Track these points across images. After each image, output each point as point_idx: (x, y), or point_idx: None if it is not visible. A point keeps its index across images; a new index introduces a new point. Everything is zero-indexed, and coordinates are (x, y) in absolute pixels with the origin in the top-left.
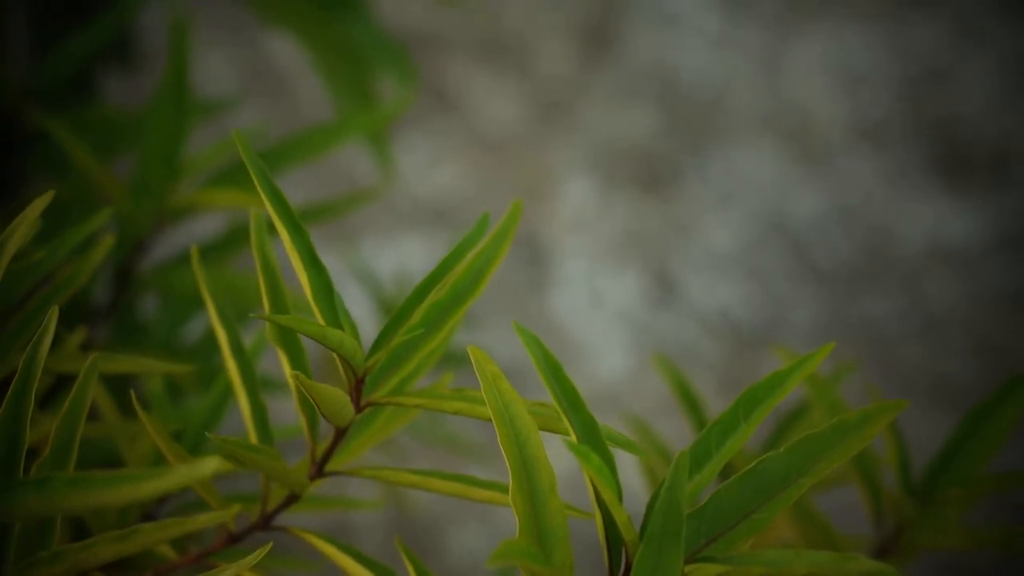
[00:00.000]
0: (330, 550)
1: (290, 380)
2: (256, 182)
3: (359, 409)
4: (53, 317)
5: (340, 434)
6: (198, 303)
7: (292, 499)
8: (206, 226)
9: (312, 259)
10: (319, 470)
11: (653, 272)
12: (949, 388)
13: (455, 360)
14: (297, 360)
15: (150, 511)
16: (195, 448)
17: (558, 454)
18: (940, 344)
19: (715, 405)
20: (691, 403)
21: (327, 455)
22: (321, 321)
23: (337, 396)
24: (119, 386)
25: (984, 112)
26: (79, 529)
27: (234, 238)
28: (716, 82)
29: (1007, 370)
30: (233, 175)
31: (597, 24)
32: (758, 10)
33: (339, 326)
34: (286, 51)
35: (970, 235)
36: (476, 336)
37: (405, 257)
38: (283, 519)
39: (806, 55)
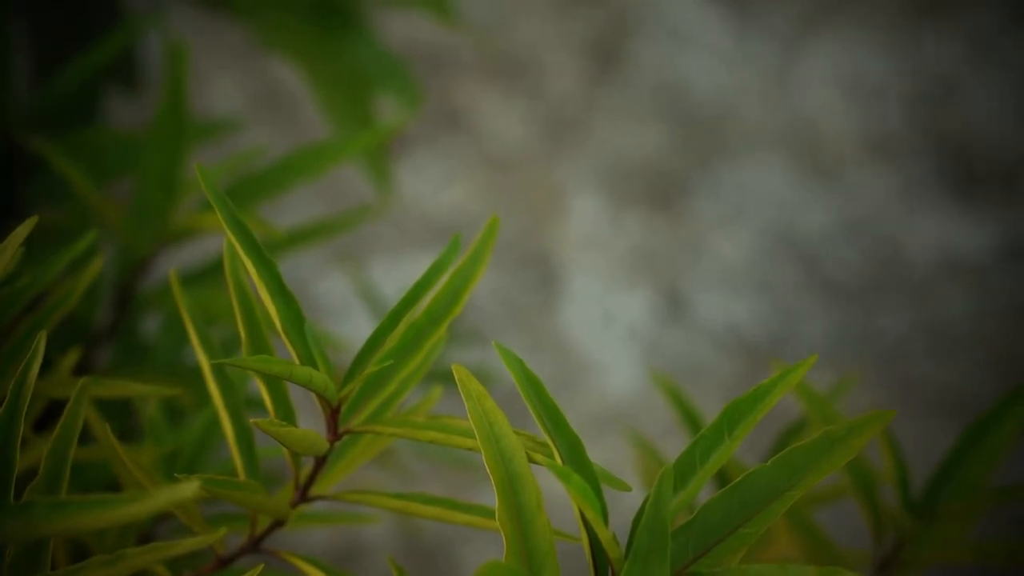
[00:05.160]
0: (317, 574)
1: (255, 423)
2: (219, 217)
3: (336, 438)
4: (41, 342)
5: (320, 462)
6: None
7: (278, 524)
8: (214, 244)
9: (281, 291)
10: (302, 496)
11: (664, 289)
12: (960, 401)
13: (450, 377)
14: (275, 388)
15: (148, 533)
16: (189, 470)
17: (547, 473)
18: (951, 357)
19: None
20: (692, 420)
21: (309, 481)
22: (293, 353)
23: (305, 436)
24: (121, 410)
25: (995, 126)
26: (80, 553)
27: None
28: (726, 98)
29: (1017, 382)
30: (231, 197)
31: (606, 41)
32: (767, 25)
33: (310, 358)
34: (297, 77)
35: (981, 248)
36: (484, 355)
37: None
38: (292, 535)
39: (816, 70)
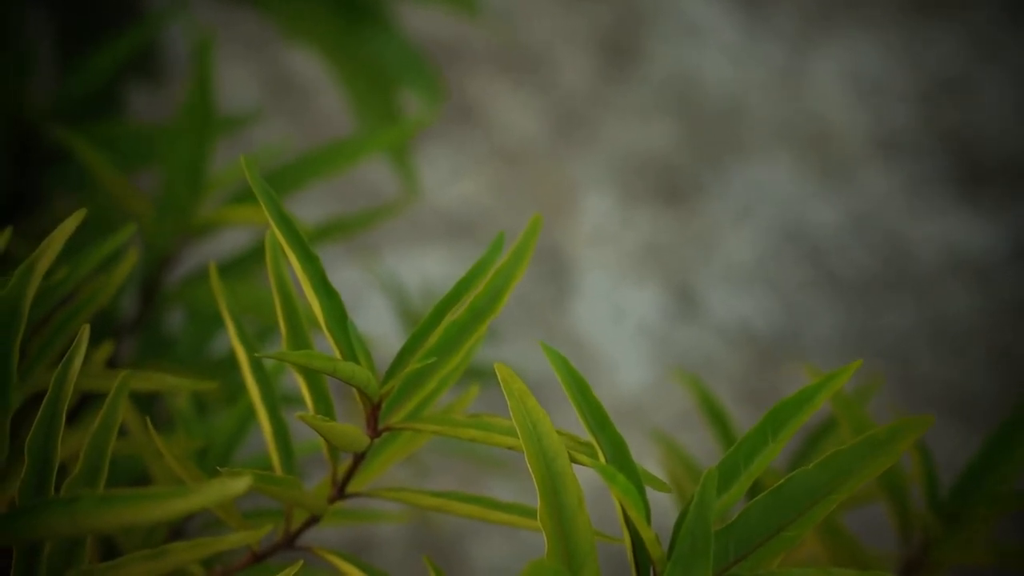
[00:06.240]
0: (352, 570)
1: (299, 417)
2: (265, 210)
3: (376, 434)
4: (84, 335)
5: (359, 458)
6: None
7: (314, 520)
8: (235, 239)
9: (324, 286)
10: (340, 492)
11: (674, 285)
12: (966, 399)
13: (480, 375)
14: (314, 383)
15: (178, 527)
16: (221, 465)
17: (584, 472)
18: (957, 355)
19: (734, 417)
20: (716, 415)
21: (347, 478)
22: (335, 349)
23: (347, 431)
24: (146, 401)
25: (1000, 123)
26: (108, 546)
27: (258, 253)
28: (736, 95)
29: (1022, 379)
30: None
31: (618, 37)
32: (777, 23)
33: (352, 354)
34: (309, 67)
35: (987, 246)
36: (498, 351)
37: (426, 269)
38: (308, 532)
39: (824, 68)
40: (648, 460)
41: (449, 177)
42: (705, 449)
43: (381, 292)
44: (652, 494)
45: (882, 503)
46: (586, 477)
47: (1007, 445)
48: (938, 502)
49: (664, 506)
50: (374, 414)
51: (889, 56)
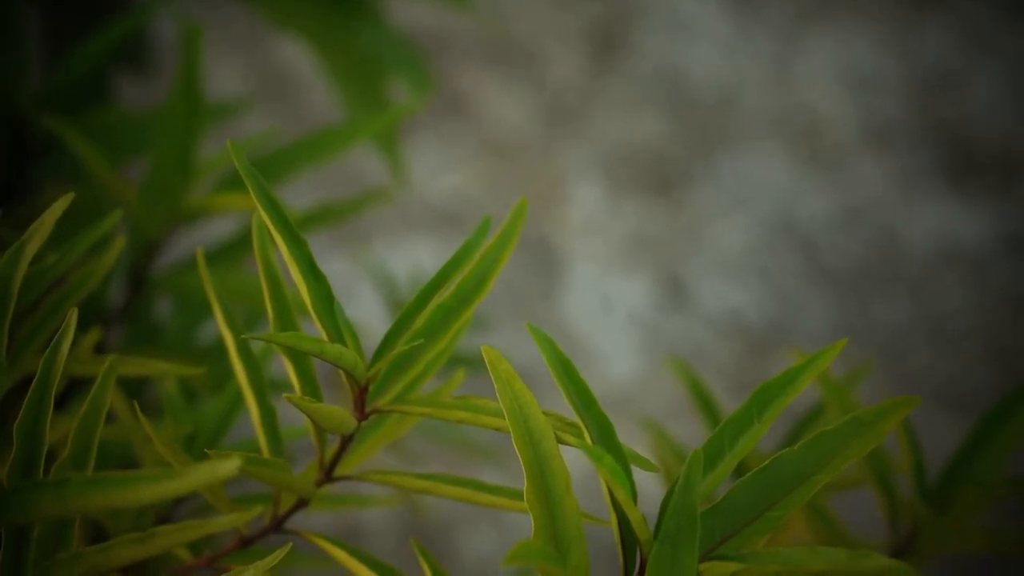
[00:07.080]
0: (340, 554)
1: (286, 398)
2: (252, 194)
3: (363, 417)
4: (72, 320)
5: (346, 441)
6: None
7: (302, 503)
8: (222, 226)
9: (312, 269)
10: (327, 475)
11: (664, 275)
12: (957, 390)
13: (467, 362)
14: (302, 366)
15: (166, 513)
16: (211, 449)
17: (571, 455)
18: (949, 347)
19: (726, 408)
20: (706, 404)
21: (335, 461)
22: (322, 332)
23: (334, 412)
24: (134, 388)
25: (992, 116)
26: (97, 532)
27: (246, 240)
28: (726, 86)
29: (1015, 373)
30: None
31: (607, 29)
32: (767, 15)
33: (340, 336)
34: (298, 58)
35: (979, 238)
36: (487, 340)
37: (415, 260)
38: (296, 518)
39: (815, 59)
40: (637, 449)
41: (439, 168)
42: (695, 439)
43: (370, 283)
44: (641, 483)
45: (870, 491)
46: (574, 461)
47: (995, 432)
48: (926, 489)
49: (653, 494)
50: (361, 396)
51: (880, 48)
